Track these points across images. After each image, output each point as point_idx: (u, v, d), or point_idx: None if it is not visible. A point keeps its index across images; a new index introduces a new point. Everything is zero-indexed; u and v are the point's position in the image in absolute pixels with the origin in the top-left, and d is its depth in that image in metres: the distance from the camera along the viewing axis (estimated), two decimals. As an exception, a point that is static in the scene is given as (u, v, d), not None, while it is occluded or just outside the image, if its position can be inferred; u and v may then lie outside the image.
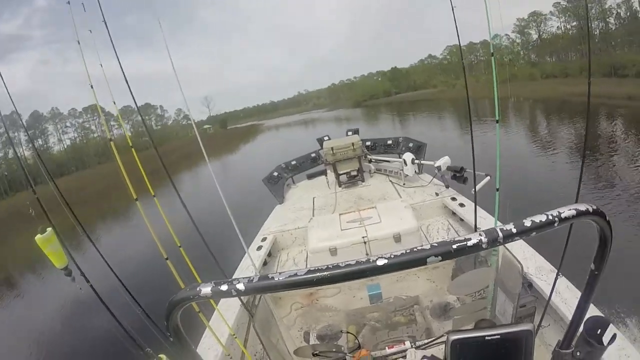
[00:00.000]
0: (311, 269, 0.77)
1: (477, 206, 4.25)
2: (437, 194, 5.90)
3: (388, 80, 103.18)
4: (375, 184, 7.27)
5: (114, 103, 2.78)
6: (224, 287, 0.82)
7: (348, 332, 2.60)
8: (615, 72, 39.63)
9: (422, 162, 6.78)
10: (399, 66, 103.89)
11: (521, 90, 40.69)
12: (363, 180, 7.44)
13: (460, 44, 3.62)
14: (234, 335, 3.09)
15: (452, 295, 2.76)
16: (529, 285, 3.16)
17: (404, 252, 0.77)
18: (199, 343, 3.17)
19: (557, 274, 2.70)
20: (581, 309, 1.08)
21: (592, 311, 2.15)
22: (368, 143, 8.46)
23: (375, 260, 0.75)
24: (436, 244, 0.76)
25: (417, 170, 6.78)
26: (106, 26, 2.83)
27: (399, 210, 4.62)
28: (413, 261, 0.76)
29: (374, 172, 7.95)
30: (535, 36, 68.95)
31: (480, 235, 0.76)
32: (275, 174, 8.15)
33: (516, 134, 22.52)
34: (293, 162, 8.69)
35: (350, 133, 8.86)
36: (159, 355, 1.86)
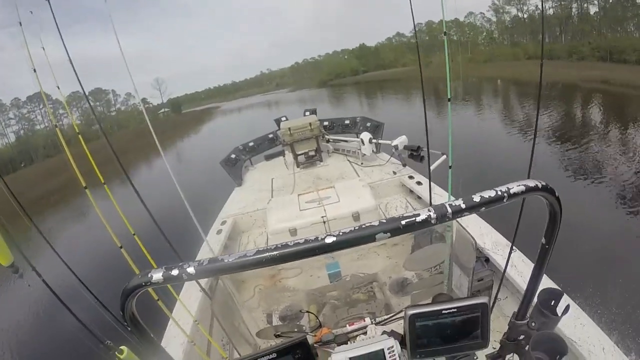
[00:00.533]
0: (260, 249, 0.76)
1: (434, 184, 4.37)
2: (394, 173, 6.01)
3: (355, 58, 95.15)
4: (334, 163, 7.33)
5: (58, 88, 2.65)
6: (175, 272, 0.80)
7: (309, 312, 2.63)
8: (611, 57, 37.62)
9: (380, 141, 6.88)
10: (367, 44, 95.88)
11: (502, 72, 41.01)
12: (321, 160, 7.48)
13: (414, 23, 3.64)
14: (196, 321, 3.08)
15: (410, 272, 2.85)
16: (485, 260, 3.28)
17: (352, 229, 0.77)
18: (165, 332, 3.14)
19: (511, 248, 2.82)
20: (534, 281, 1.11)
21: (547, 283, 2.27)
22: (326, 123, 8.47)
23: (324, 238, 0.75)
24: (384, 220, 0.76)
25: (374, 150, 6.86)
26: (50, 5, 2.71)
27: (357, 189, 4.69)
28: (362, 238, 0.76)
29: (332, 152, 8.00)
30: (514, 15, 66.45)
31: (429, 211, 0.77)
32: (233, 156, 8.06)
33: (482, 114, 22.82)
34: (250, 144, 8.61)
35: (307, 113, 8.81)
36: (120, 347, 1.82)
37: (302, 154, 7.42)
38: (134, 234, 2.79)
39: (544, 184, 0.83)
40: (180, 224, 3.54)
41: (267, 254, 0.76)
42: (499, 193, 0.80)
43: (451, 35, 67.45)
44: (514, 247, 2.89)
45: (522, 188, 0.81)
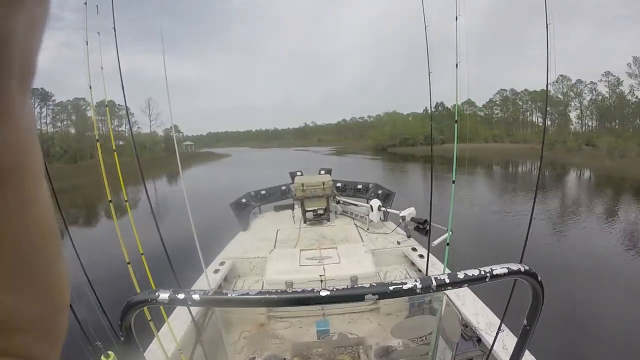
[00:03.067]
0: (262, 290, 0.86)
1: (436, 259, 4.42)
2: (398, 243, 6.03)
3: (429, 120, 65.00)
4: (340, 225, 7.37)
5: (106, 106, 2.85)
6: (181, 296, 0.89)
7: None
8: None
9: (388, 210, 6.99)
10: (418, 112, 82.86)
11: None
12: (328, 220, 7.54)
13: (431, 106, 3.86)
14: (180, 350, 3.10)
15: (398, 340, 2.88)
16: (477, 340, 3.29)
17: (345, 287, 0.87)
18: (146, 350, 3.16)
19: (499, 328, 2.83)
20: None
21: None
22: (339, 184, 8.62)
23: (319, 291, 0.85)
24: (375, 284, 0.86)
25: (382, 217, 6.98)
26: (114, 32, 2.91)
27: (359, 254, 4.75)
28: (352, 296, 0.86)
29: (341, 213, 8.08)
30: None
31: (415, 281, 0.86)
32: (244, 200, 8.19)
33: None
34: (263, 192, 8.76)
35: (323, 172, 9.04)
36: (108, 352, 1.89)
37: (311, 210, 7.50)
38: (142, 254, 2.90)
39: (526, 268, 0.91)
40: (181, 251, 3.63)
41: (268, 296, 0.86)
42: (482, 273, 0.88)
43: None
44: (507, 329, 2.91)
45: (505, 270, 0.89)
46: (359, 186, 8.63)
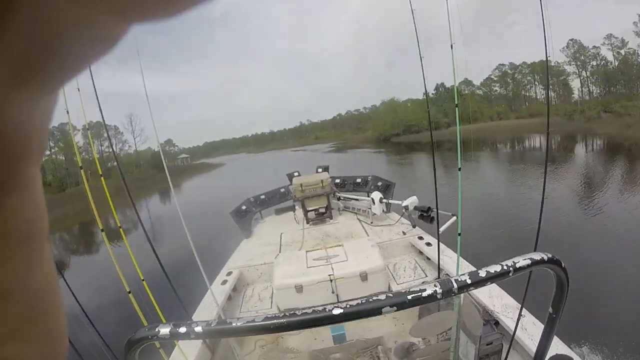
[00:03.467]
0: (268, 315, 0.79)
1: (444, 245, 4.33)
2: (404, 233, 5.95)
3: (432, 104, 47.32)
4: (343, 221, 7.29)
5: (87, 127, 2.74)
6: (183, 330, 0.83)
7: None
8: None
9: (390, 201, 6.89)
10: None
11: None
12: (331, 218, 7.44)
13: (427, 91, 3.75)
14: None
15: (416, 337, 2.78)
16: (495, 323, 3.21)
17: (359, 302, 0.78)
18: None
19: (520, 311, 2.76)
20: (542, 349, 1.11)
21: (559, 347, 2.20)
22: (337, 181, 8.52)
23: (332, 310, 0.77)
24: (391, 294, 0.78)
25: (384, 209, 6.86)
26: None
27: (366, 249, 4.66)
28: (368, 311, 0.78)
29: (343, 209, 7.98)
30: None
31: (435, 286, 0.79)
32: (244, 207, 8.09)
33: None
34: (262, 197, 8.67)
35: (320, 170, 8.94)
36: None
37: (312, 210, 7.41)
38: (142, 280, 2.79)
39: (550, 256, 0.84)
40: (184, 269, 3.53)
41: (275, 321, 0.78)
42: (505, 267, 0.81)
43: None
44: (524, 310, 2.83)
45: (528, 262, 0.83)
46: (358, 180, 8.52)
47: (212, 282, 5.17)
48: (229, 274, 5.46)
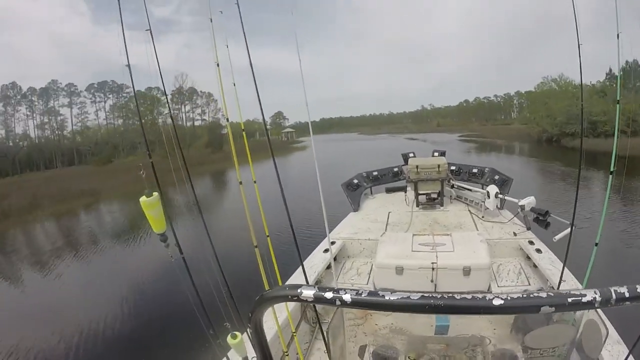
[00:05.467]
0: (425, 294, 0.74)
1: (555, 255, 4.02)
2: (514, 234, 5.63)
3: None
4: (454, 210, 7.06)
5: (234, 85, 2.92)
6: (329, 295, 0.79)
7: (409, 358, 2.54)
8: None
9: (506, 197, 6.51)
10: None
11: None
12: (442, 205, 7.25)
13: (582, 85, 3.38)
14: (294, 333, 3.11)
15: (515, 344, 2.63)
16: None
17: (520, 295, 0.73)
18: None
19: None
20: None
21: None
22: (453, 167, 8.23)
23: (492, 299, 0.72)
24: (552, 294, 0.73)
25: (498, 205, 6.51)
26: (239, 13, 3.06)
27: (474, 243, 4.50)
28: (526, 307, 0.73)
29: (454, 198, 7.73)
30: None
31: (595, 293, 0.73)
32: (355, 181, 8.21)
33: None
34: (374, 173, 8.69)
35: (436, 154, 8.72)
36: (235, 332, 1.93)
37: (424, 194, 7.28)
38: (267, 236, 2.97)
39: None
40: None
41: (432, 301, 0.73)
42: None
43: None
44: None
45: None
46: (475, 170, 8.18)
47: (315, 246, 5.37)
48: (333, 243, 5.56)
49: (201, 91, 77.54)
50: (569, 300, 0.72)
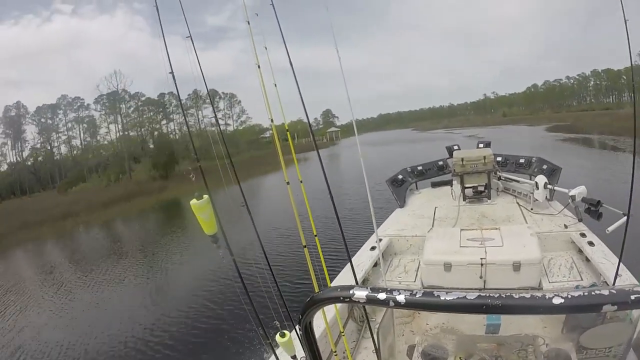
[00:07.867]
0: (482, 294, 0.71)
1: (608, 249, 4.04)
2: (566, 226, 5.38)
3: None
4: (502, 203, 6.86)
5: (275, 85, 2.98)
6: (382, 296, 0.77)
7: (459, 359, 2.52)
8: None
9: (555, 187, 6.21)
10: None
11: None
12: (489, 198, 7.05)
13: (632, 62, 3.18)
14: (343, 333, 3.10)
15: (569, 344, 2.56)
16: None
17: (581, 294, 0.68)
18: None
19: None
20: None
21: None
22: (499, 159, 7.97)
23: (552, 298, 0.68)
24: (614, 291, 0.67)
25: (547, 196, 6.26)
26: (275, 14, 3.14)
27: (524, 237, 4.39)
28: (588, 306, 0.69)
29: (501, 190, 7.51)
30: None
31: None
32: (400, 177, 8.13)
33: None
34: (419, 168, 8.58)
35: (481, 145, 8.46)
36: (284, 331, 1.98)
37: (470, 187, 7.12)
38: (315, 235, 2.99)
39: None
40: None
41: (489, 301, 0.70)
42: None
43: None
44: None
45: None
46: (521, 160, 7.90)
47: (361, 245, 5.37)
48: (380, 240, 5.52)
49: (223, 92, 78.58)
50: (632, 297, 0.66)
